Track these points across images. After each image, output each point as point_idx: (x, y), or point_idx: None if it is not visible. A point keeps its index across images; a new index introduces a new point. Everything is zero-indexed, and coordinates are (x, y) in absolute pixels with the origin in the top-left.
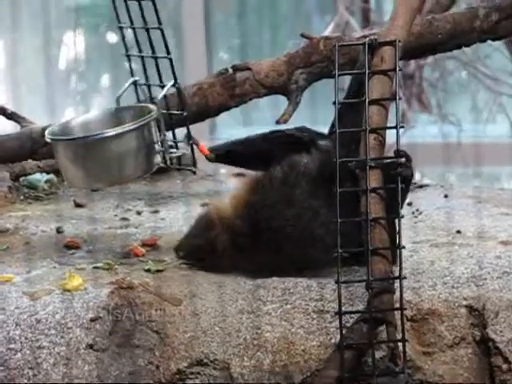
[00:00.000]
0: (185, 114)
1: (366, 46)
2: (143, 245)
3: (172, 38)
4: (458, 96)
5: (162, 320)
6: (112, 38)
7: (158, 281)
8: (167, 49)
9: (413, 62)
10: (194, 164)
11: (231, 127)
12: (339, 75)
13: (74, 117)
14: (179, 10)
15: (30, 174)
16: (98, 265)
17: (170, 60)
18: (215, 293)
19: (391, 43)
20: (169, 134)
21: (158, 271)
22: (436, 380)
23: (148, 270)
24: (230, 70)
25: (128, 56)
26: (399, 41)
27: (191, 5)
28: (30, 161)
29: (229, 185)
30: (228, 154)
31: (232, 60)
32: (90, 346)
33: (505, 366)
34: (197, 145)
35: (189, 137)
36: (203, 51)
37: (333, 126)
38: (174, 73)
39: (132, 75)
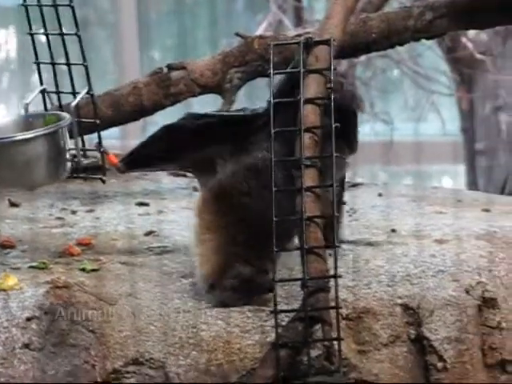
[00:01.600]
0: (97, 122)
1: (302, 45)
2: (78, 244)
3: (107, 38)
4: (390, 95)
5: (98, 319)
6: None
7: (93, 280)
8: (83, 56)
9: (345, 61)
10: (104, 172)
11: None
12: (274, 74)
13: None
14: (114, 10)
15: None
16: (34, 264)
17: (86, 67)
18: (151, 292)
19: (326, 42)
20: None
21: (94, 270)
22: (371, 379)
23: (83, 270)
24: (165, 69)
25: (38, 64)
26: (334, 40)
27: (125, 5)
28: None
29: (164, 184)
30: (137, 159)
31: (165, 59)
32: (26, 346)
33: (440, 365)
34: (106, 154)
35: (100, 145)
36: (137, 50)
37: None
38: (88, 80)
39: (41, 83)
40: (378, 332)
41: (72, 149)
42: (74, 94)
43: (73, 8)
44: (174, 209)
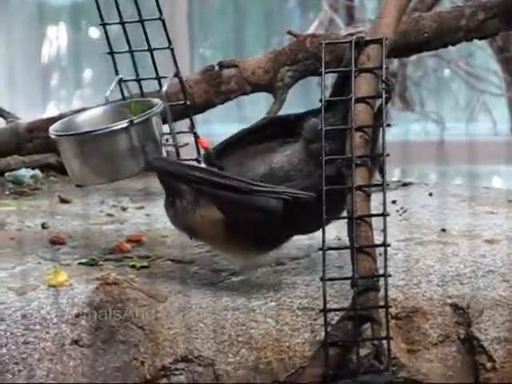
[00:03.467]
0: (188, 103)
1: (353, 44)
2: (128, 241)
3: (158, 34)
4: (441, 94)
5: (147, 316)
6: (94, 33)
7: (143, 277)
8: (169, 39)
9: (396, 60)
10: (199, 153)
11: (210, 124)
12: (326, 73)
13: (78, 112)
14: (165, 5)
15: (15, 169)
16: (83, 261)
17: (172, 50)
18: (201, 289)
19: (378, 41)
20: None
21: (144, 267)
22: (420, 378)
23: (133, 266)
24: (217, 67)
25: (112, 54)
26: (386, 39)
27: (175, 1)
28: (15, 156)
29: None
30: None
31: (216, 56)
32: (75, 342)
33: (489, 365)
34: (198, 137)
35: (192, 127)
36: (187, 48)
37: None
38: (175, 63)
39: (117, 73)
40: (428, 331)
41: (166, 134)
42: (158, 79)
43: None
44: None
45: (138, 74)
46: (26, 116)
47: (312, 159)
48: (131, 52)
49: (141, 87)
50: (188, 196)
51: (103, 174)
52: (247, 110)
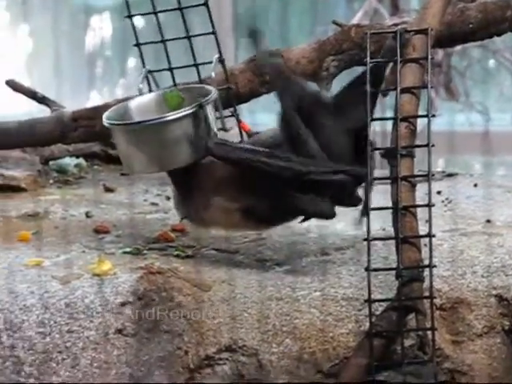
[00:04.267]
0: (232, 87)
1: (398, 34)
2: (173, 230)
3: (202, 24)
4: (486, 85)
5: (191, 305)
6: (139, 21)
7: (187, 266)
8: (212, 24)
9: (440, 51)
10: (242, 136)
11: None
12: (370, 63)
13: (129, 99)
14: None
15: (59, 157)
16: (128, 250)
17: (215, 35)
18: (244, 279)
19: (423, 31)
20: None
21: (188, 257)
22: (465, 369)
23: (177, 256)
24: None
25: (138, 45)
26: (431, 29)
27: None
28: (59, 145)
29: None
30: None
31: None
32: (119, 331)
33: None
34: (239, 121)
35: (235, 110)
36: (232, 37)
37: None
38: (219, 47)
39: (143, 65)
40: (472, 323)
41: (218, 118)
42: (196, 65)
43: None
44: None
45: (170, 64)
46: (71, 104)
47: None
48: (163, 42)
49: (173, 77)
50: (204, 188)
51: (158, 163)
52: None
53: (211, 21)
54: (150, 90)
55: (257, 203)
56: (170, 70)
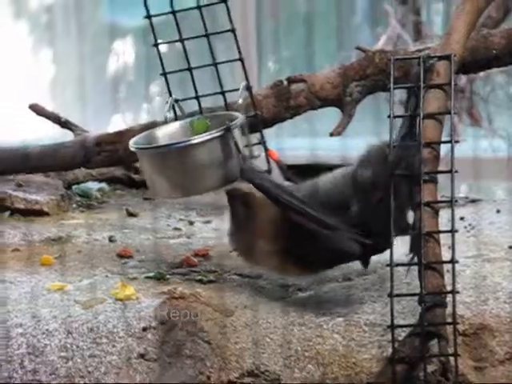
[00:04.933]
0: (259, 113)
1: (422, 60)
2: (196, 255)
3: (226, 50)
4: (508, 111)
5: (213, 330)
6: (163, 47)
7: (209, 291)
8: (239, 51)
9: (464, 76)
10: (269, 165)
11: (281, 138)
12: (394, 88)
13: (155, 128)
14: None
15: (82, 182)
16: (150, 274)
17: (242, 61)
18: (267, 304)
19: (447, 57)
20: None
21: (210, 282)
22: None
23: (200, 281)
24: (285, 82)
25: (165, 74)
26: (455, 55)
27: (243, 17)
28: (82, 169)
29: None
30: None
31: (282, 71)
32: (142, 356)
33: None
34: (267, 149)
35: (262, 138)
36: (255, 61)
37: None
38: (246, 74)
39: (170, 94)
40: (495, 349)
41: (245, 146)
42: (223, 94)
43: (226, 3)
44: None
45: (196, 91)
46: (93, 129)
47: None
48: (190, 69)
49: (199, 104)
50: (252, 226)
51: (185, 188)
52: (317, 124)
53: (238, 47)
54: (176, 119)
55: (293, 246)
56: (197, 98)
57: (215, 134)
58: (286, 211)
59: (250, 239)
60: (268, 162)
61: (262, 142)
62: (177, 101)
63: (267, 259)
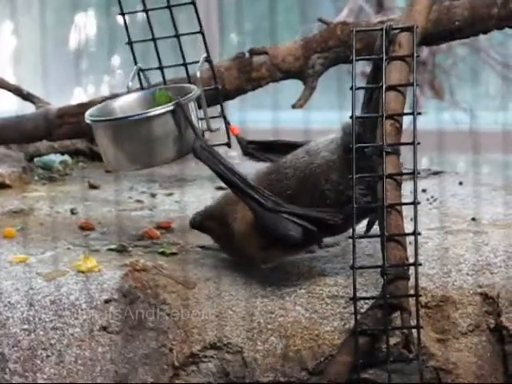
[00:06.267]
0: (219, 87)
1: (384, 32)
2: (158, 227)
3: (187, 20)
4: (470, 83)
5: (176, 303)
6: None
7: (172, 264)
8: (200, 24)
9: (425, 49)
10: (229, 138)
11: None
12: (356, 60)
13: (112, 99)
14: None
15: (44, 154)
16: (112, 247)
17: (203, 34)
18: (229, 276)
19: (409, 29)
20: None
21: (173, 254)
22: (450, 367)
23: (162, 253)
24: (247, 54)
25: (130, 44)
26: (417, 27)
27: None
28: (44, 141)
29: (244, 168)
30: (264, 144)
31: (244, 43)
32: (104, 328)
33: None
34: (228, 123)
35: (222, 111)
36: (217, 33)
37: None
38: (206, 47)
39: (135, 62)
40: (457, 321)
41: (201, 119)
42: (185, 66)
43: None
44: None
45: (160, 62)
46: (55, 102)
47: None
48: (154, 40)
49: (163, 75)
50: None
51: (140, 160)
52: (280, 96)
53: (199, 20)
54: (142, 88)
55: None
56: (161, 68)
57: (168, 107)
58: (233, 191)
59: (239, 246)
60: (228, 135)
61: (223, 116)
62: (142, 70)
63: (262, 255)
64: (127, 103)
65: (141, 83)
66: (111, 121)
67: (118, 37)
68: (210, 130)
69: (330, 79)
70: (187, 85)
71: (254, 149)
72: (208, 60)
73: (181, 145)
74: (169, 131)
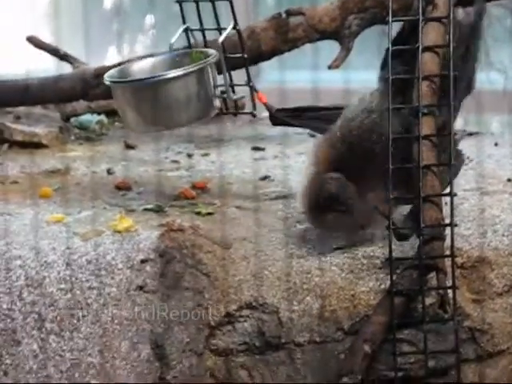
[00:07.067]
0: (245, 56)
1: None
2: (194, 187)
3: None
4: (505, 44)
5: (212, 263)
6: None
7: (208, 224)
8: None
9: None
10: (254, 107)
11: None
12: (393, 21)
13: (133, 61)
14: None
15: (80, 114)
16: (149, 207)
17: (231, 3)
18: (265, 236)
19: None
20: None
21: (209, 214)
22: (485, 328)
23: (198, 213)
24: (284, 15)
25: (180, 2)
26: None
27: None
28: (81, 101)
29: (279, 129)
30: (293, 111)
31: (280, 3)
32: (140, 288)
33: None
34: (256, 91)
35: (249, 80)
36: None
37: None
38: (234, 15)
39: (184, 22)
40: (493, 281)
41: (221, 85)
42: (220, 30)
43: None
44: (289, 154)
45: (201, 24)
46: (91, 61)
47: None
48: (196, 1)
49: (204, 37)
50: None
51: (158, 122)
52: (319, 56)
53: None
54: (190, 47)
55: None
56: (202, 30)
57: (186, 70)
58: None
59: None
60: (254, 103)
61: (249, 84)
62: (188, 29)
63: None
64: (147, 66)
65: (189, 43)
66: (130, 82)
67: None
68: (229, 98)
69: (367, 39)
70: (211, 50)
71: (284, 116)
72: (235, 28)
73: (198, 108)
74: (186, 94)
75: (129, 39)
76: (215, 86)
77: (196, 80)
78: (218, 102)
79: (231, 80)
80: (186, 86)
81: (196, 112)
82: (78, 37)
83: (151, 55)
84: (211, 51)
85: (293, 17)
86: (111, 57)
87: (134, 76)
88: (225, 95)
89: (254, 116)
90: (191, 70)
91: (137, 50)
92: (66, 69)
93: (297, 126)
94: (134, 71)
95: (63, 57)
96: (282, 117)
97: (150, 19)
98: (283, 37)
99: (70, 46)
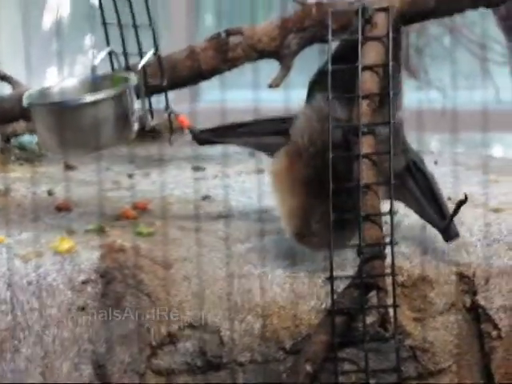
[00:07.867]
0: (164, 83)
1: (360, 12)
2: (135, 208)
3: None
4: (443, 62)
5: (153, 283)
6: None
7: (149, 244)
8: (150, 17)
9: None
10: (171, 133)
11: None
12: (332, 40)
13: (53, 83)
14: None
15: (20, 135)
16: (90, 227)
17: (153, 29)
18: (206, 256)
19: (385, 9)
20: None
21: (150, 234)
22: (426, 346)
23: (139, 233)
24: (223, 35)
25: (105, 24)
26: (392, 7)
27: None
28: (20, 122)
29: (218, 148)
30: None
31: (218, 24)
32: (82, 309)
33: (494, 333)
34: (176, 115)
35: (167, 106)
36: (189, 14)
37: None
38: (155, 42)
39: (108, 44)
40: (434, 300)
41: (139, 110)
42: (141, 55)
43: None
44: (229, 174)
45: (124, 48)
46: (29, 82)
47: None
48: (120, 25)
49: (127, 61)
50: None
51: (75, 146)
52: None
53: (148, 13)
54: (113, 69)
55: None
56: (125, 54)
57: (104, 94)
58: None
59: None
60: (171, 126)
61: (167, 109)
62: (112, 52)
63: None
64: (66, 88)
65: (112, 65)
66: (47, 105)
67: (89, 17)
68: (146, 123)
69: (307, 58)
70: (132, 74)
71: (209, 136)
72: (156, 54)
73: (119, 131)
74: (104, 117)
75: (68, 60)
76: (132, 112)
77: (114, 104)
78: (136, 127)
79: (150, 105)
80: (104, 110)
81: (113, 136)
82: (19, 58)
83: (73, 77)
84: (132, 75)
85: (232, 36)
86: (51, 77)
87: (53, 98)
88: (142, 120)
89: (171, 145)
90: (109, 94)
91: (76, 71)
92: (7, 90)
93: (222, 144)
94: (54, 93)
95: (3, 78)
96: (206, 137)
97: (89, 39)
98: (223, 56)
99: (11, 66)
